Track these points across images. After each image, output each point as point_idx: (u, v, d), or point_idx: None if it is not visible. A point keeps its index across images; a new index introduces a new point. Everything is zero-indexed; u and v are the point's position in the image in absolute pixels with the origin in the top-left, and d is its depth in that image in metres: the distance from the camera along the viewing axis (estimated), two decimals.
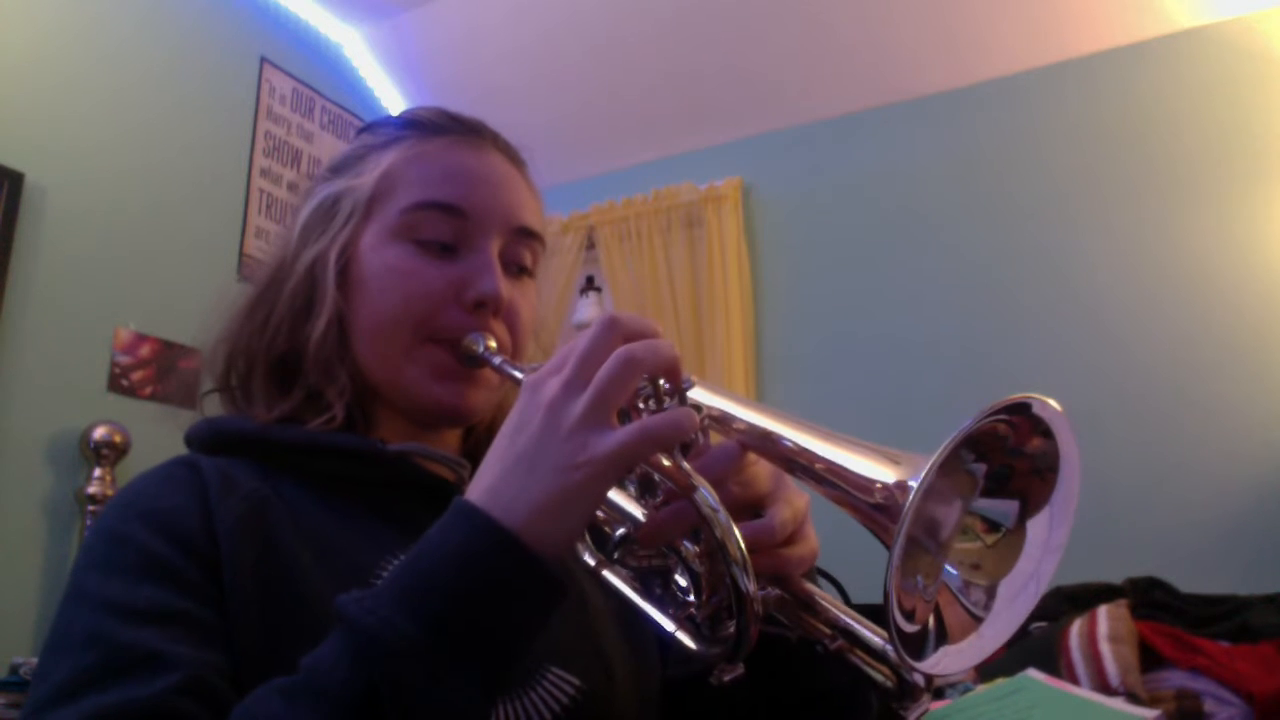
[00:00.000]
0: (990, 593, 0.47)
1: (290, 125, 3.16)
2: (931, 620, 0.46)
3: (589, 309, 3.42)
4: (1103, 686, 1.92)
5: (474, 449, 0.78)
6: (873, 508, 0.46)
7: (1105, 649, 1.97)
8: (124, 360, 2.51)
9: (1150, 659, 2.00)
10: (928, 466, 0.42)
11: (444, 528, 0.48)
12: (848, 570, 0.67)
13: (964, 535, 0.48)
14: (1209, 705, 1.86)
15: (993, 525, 0.48)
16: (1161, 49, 2.72)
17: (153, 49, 2.74)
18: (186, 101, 2.82)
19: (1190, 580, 2.22)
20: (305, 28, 3.30)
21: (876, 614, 0.47)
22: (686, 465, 0.49)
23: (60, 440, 2.35)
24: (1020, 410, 0.45)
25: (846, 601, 0.55)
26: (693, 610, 0.53)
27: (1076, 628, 2.03)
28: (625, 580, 0.56)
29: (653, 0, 3.03)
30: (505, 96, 3.21)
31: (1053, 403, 0.46)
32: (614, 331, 0.50)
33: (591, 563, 0.56)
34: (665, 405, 0.52)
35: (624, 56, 3.22)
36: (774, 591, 0.53)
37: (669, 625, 0.52)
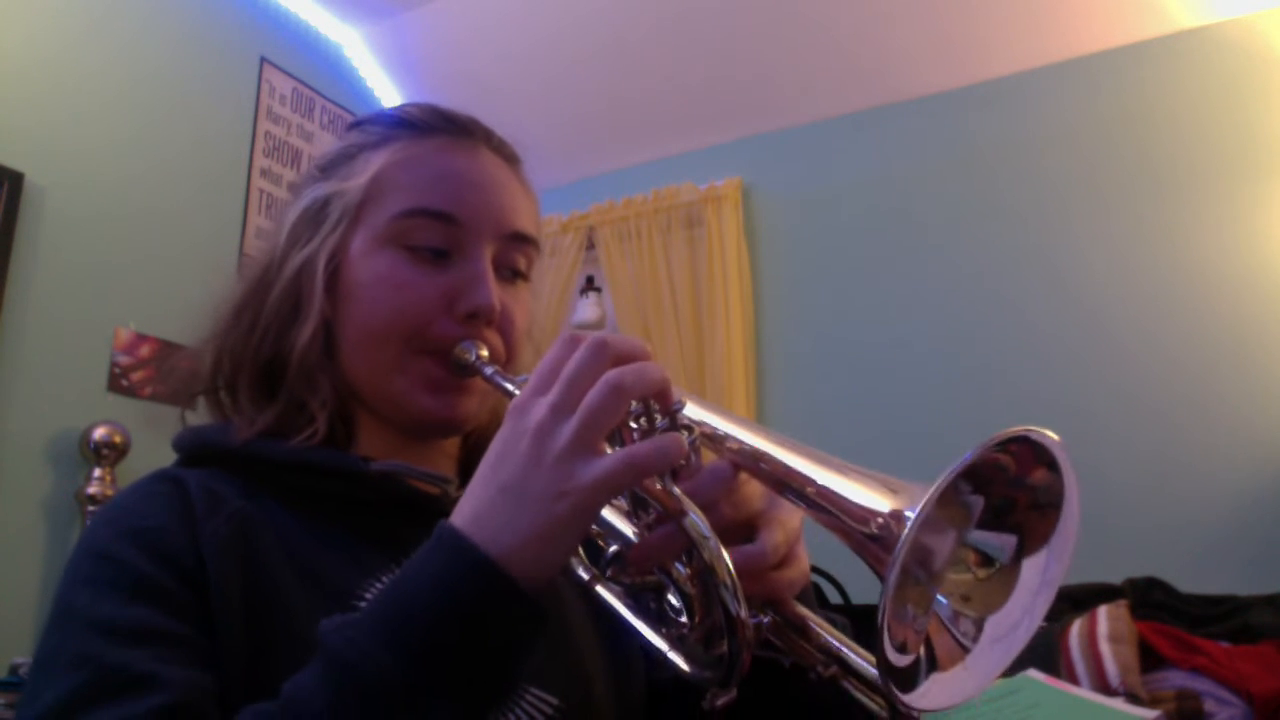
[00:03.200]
0: (979, 625, 0.46)
1: (290, 125, 3.16)
2: (922, 650, 0.46)
3: (589, 309, 3.42)
4: (1103, 686, 1.93)
5: (472, 452, 0.77)
6: (868, 538, 0.44)
7: (1105, 649, 1.97)
8: (124, 360, 2.51)
9: (1150, 659, 2.00)
10: (925, 499, 0.41)
11: (427, 556, 0.48)
12: (848, 569, 0.66)
13: (956, 566, 0.47)
14: (1209, 705, 1.86)
15: (986, 559, 0.47)
16: (1161, 49, 2.72)
17: (153, 49, 2.74)
18: (186, 101, 2.82)
19: (1190, 580, 2.22)
20: (305, 28, 3.30)
21: (870, 617, 0.47)
22: (676, 490, 0.48)
23: (60, 440, 2.35)
24: (1023, 440, 0.44)
25: (847, 601, 0.55)
26: (685, 630, 0.53)
27: (1076, 628, 2.03)
28: (618, 596, 0.55)
29: (652, 1, 3.03)
30: (505, 97, 3.21)
31: (1051, 434, 0.44)
32: (602, 354, 0.49)
33: (585, 577, 0.55)
34: (657, 424, 0.51)
35: (624, 57, 3.22)
36: (766, 619, 0.53)
37: (662, 645, 0.51)
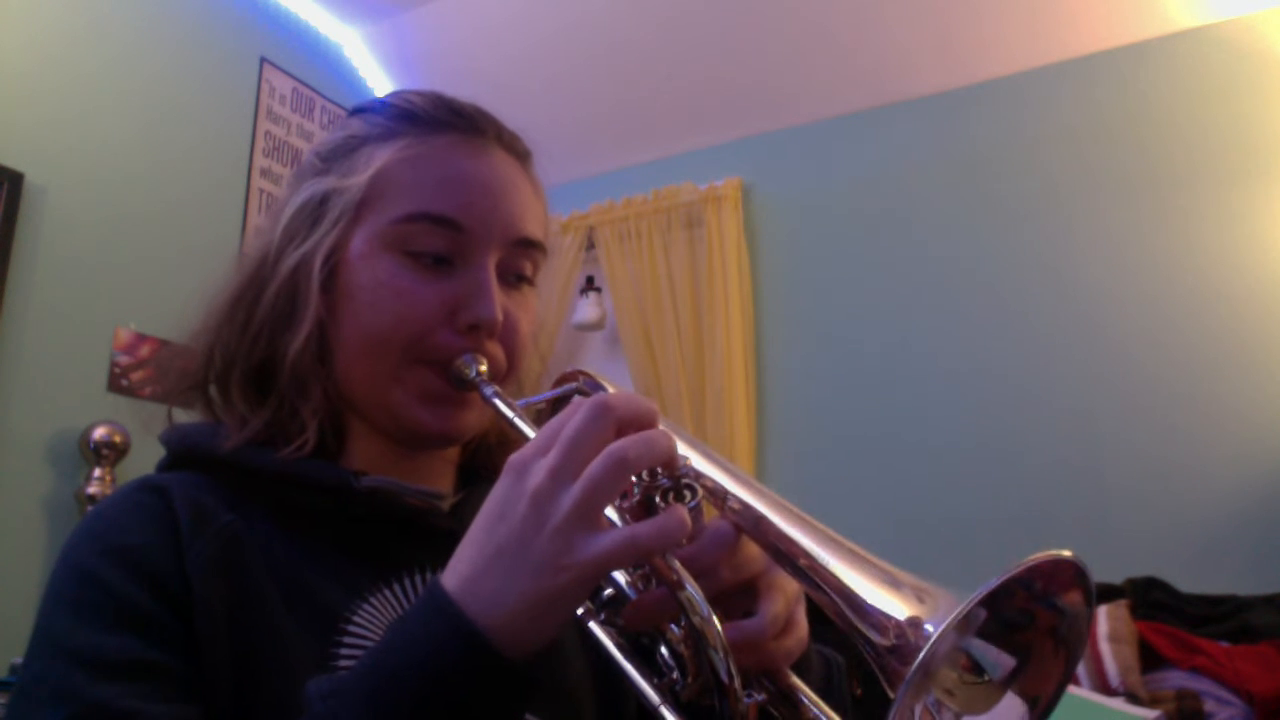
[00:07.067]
0: (958, 718, 0.46)
1: (290, 125, 3.16)
2: None
3: (589, 309, 3.41)
4: (1103, 686, 1.93)
5: (473, 458, 0.76)
6: (885, 649, 0.43)
7: (1105, 649, 1.97)
8: (124, 360, 2.51)
9: (1150, 659, 2.00)
10: (951, 617, 0.40)
11: (417, 621, 0.46)
12: None
13: (948, 663, 0.46)
14: (1209, 705, 1.86)
15: (977, 669, 0.46)
16: (1161, 49, 2.71)
17: (153, 49, 2.74)
18: (186, 101, 2.82)
19: (1190, 580, 2.22)
20: (305, 28, 3.30)
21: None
22: (676, 563, 0.47)
23: (60, 440, 2.35)
24: (1063, 561, 0.42)
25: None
26: (678, 685, 0.52)
27: None
28: (611, 638, 0.54)
29: (652, 1, 3.03)
30: (505, 96, 3.18)
31: (1088, 575, 0.43)
32: (606, 419, 0.47)
33: (579, 611, 0.54)
34: (659, 480, 0.50)
35: (624, 56, 3.22)
36: (762, 696, 0.52)
37: (655, 698, 0.50)
